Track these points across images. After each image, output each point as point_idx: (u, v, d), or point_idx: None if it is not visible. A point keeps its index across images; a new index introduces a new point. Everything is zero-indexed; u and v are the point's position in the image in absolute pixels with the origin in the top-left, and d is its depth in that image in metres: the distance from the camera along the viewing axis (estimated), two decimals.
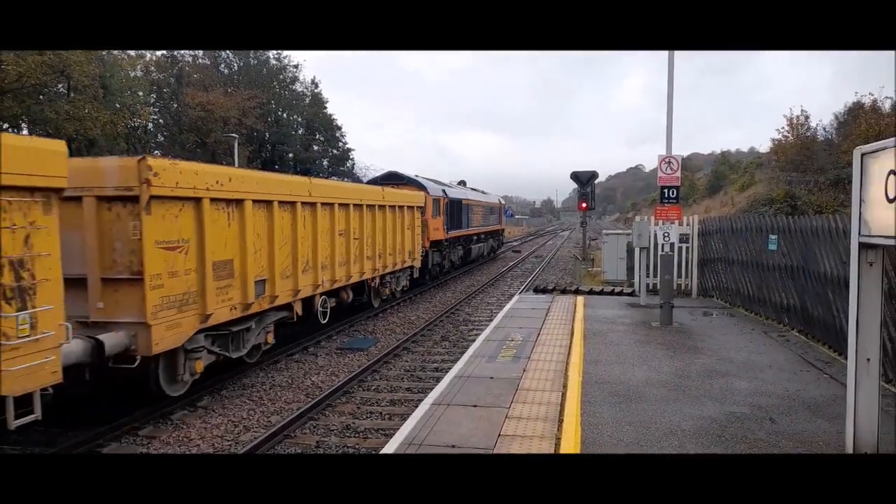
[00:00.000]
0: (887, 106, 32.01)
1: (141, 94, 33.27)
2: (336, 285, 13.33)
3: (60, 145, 6.51)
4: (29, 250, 6.05)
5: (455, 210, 25.35)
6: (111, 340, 7.50)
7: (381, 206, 16.04)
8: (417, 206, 19.47)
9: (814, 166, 34.79)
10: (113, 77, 29.96)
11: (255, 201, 10.01)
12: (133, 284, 7.76)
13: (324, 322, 13.06)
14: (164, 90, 39.28)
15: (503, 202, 42.83)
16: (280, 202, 10.82)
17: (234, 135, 29.66)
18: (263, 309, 10.49)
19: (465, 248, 27.71)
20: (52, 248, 6.33)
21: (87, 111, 26.84)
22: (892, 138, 4.65)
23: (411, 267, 19.05)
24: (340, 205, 13.33)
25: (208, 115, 36.59)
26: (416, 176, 23.18)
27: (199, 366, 8.98)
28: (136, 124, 34.01)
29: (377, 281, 16.25)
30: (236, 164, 28.14)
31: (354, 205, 14.19)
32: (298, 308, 11.72)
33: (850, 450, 5.08)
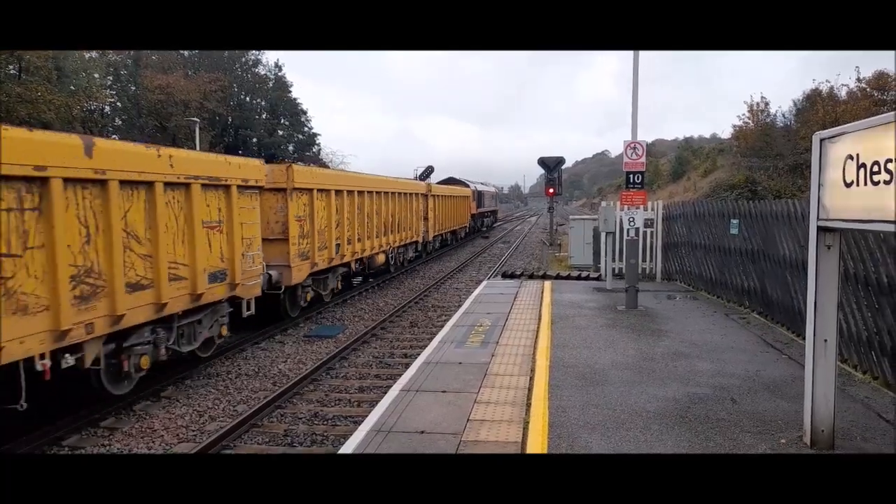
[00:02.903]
0: (844, 93, 32.86)
1: (97, 76, 32.21)
2: (408, 240, 22.66)
3: (261, 163, 11.20)
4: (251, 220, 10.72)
5: (479, 197, 42.82)
6: (273, 275, 12.07)
7: (454, 196, 33.08)
8: (465, 196, 36.96)
9: (773, 152, 35.62)
10: (67, 59, 28.90)
11: (337, 191, 15.18)
12: (281, 242, 12.60)
13: (393, 272, 20.94)
14: (121, 72, 38.10)
15: (498, 190, 64.03)
16: (370, 192, 17.84)
17: (195, 119, 28.93)
18: (336, 264, 15.37)
19: (482, 219, 45.89)
20: (258, 220, 11.03)
21: (39, 94, 25.87)
22: (850, 124, 4.76)
23: (464, 227, 36.48)
24: (420, 195, 25.06)
25: (168, 98, 35.67)
26: (464, 178, 43.30)
27: (308, 296, 14.13)
28: (93, 107, 32.94)
29: (445, 236, 31.03)
30: (197, 149, 27.50)
31: (433, 195, 27.23)
32: (353, 266, 16.99)
33: (807, 427, 5.23)
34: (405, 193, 22.19)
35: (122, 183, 7.63)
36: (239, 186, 10.20)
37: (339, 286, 15.97)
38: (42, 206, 6.54)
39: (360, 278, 19.20)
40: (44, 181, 6.50)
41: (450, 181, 39.68)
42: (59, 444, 7.24)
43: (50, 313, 6.62)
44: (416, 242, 24.24)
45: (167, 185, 8.47)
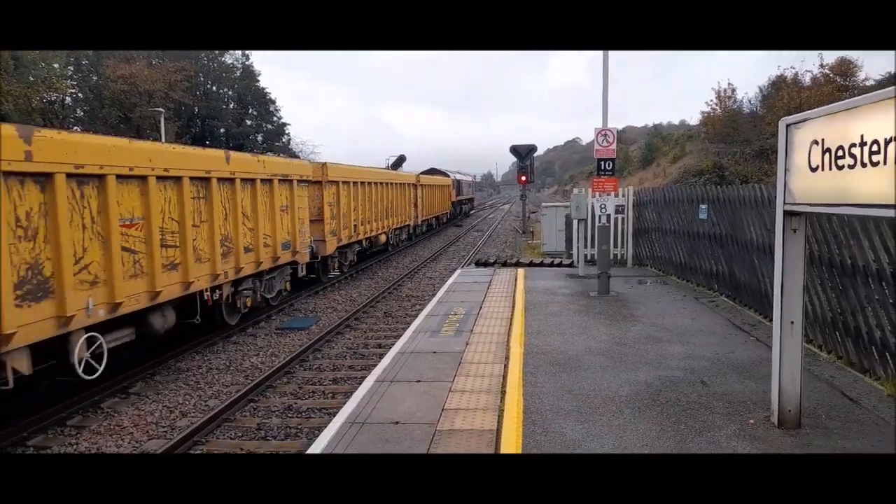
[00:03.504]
0: (808, 79, 33.46)
1: (57, 65, 31.18)
2: (402, 224, 26.43)
3: (308, 163, 15.95)
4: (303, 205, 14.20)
5: (458, 186, 47.00)
6: (312, 247, 15.20)
7: (437, 185, 36.87)
8: (446, 185, 40.80)
9: (740, 138, 36.20)
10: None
11: (354, 182, 19.28)
12: (318, 222, 16.17)
13: (390, 252, 24.73)
14: (82, 62, 36.98)
15: (474, 178, 72.18)
16: (376, 183, 22.04)
17: (160, 109, 28.27)
18: (353, 240, 19.16)
19: (461, 205, 49.68)
20: (307, 205, 14.60)
21: None
22: (815, 109, 4.82)
23: (445, 213, 40.34)
24: (411, 184, 28.61)
25: (132, 88, 34.75)
26: (445, 169, 47.29)
27: (335, 265, 17.71)
28: (53, 98, 31.95)
29: (430, 221, 34.55)
30: (163, 140, 26.90)
31: (421, 185, 30.91)
32: (365, 244, 20.89)
33: (775, 407, 5.34)
34: (400, 184, 26.47)
35: (242, 181, 11.38)
36: (298, 180, 13.93)
37: (355, 259, 19.95)
38: (206, 195, 10.30)
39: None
40: (207, 180, 10.28)
41: (431, 171, 43.19)
42: (24, 445, 7.06)
43: (210, 263, 10.36)
44: (409, 226, 28.23)
45: (262, 181, 12.18)
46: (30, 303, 6.69)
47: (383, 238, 23.09)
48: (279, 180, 12.88)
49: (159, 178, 8.93)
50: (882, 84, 35.05)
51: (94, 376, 7.84)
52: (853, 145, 4.18)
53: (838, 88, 32.60)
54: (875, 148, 3.97)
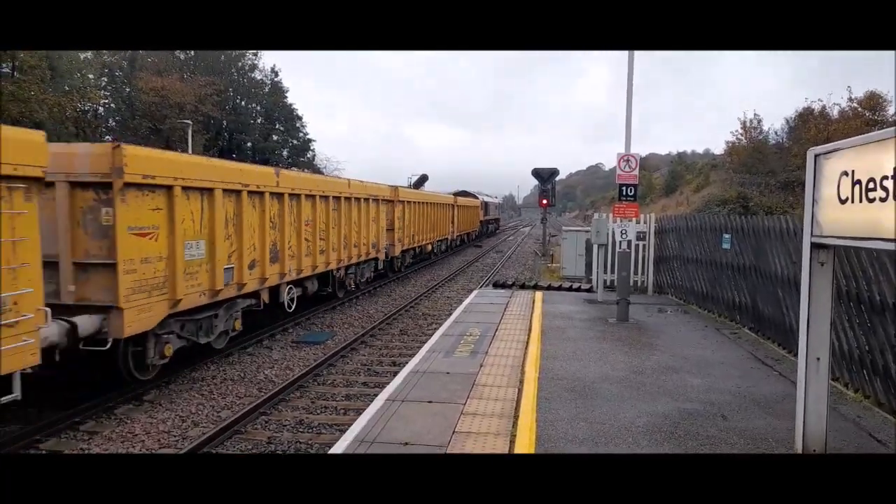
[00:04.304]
0: (835, 112, 33.09)
1: (91, 76, 32.04)
2: (442, 237, 32.05)
3: (388, 186, 21.55)
4: (382, 217, 19.88)
5: (486, 207, 52.35)
6: (386, 249, 20.76)
7: (469, 206, 41.99)
8: (476, 206, 45.85)
9: (765, 169, 35.83)
10: (62, 58, 28.74)
11: (413, 202, 24.81)
12: (390, 231, 21.36)
13: (432, 259, 29.85)
14: (116, 73, 37.94)
15: (500, 201, 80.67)
16: (421, 203, 26.55)
17: (187, 121, 28.79)
18: (410, 247, 24.66)
19: (488, 224, 54.77)
20: (384, 217, 20.47)
21: (32, 93, 25.68)
22: (845, 140, 4.72)
23: (475, 230, 45.24)
24: (450, 205, 34.42)
25: (163, 100, 35.49)
26: (473, 191, 52.91)
27: (399, 264, 23.35)
28: (86, 108, 32.74)
29: (462, 236, 39.71)
30: (190, 152, 27.36)
31: (458, 205, 36.69)
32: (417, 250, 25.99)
33: (799, 446, 5.16)
34: (442, 204, 32.77)
35: (355, 199, 17.09)
36: (382, 200, 19.41)
37: (409, 261, 25.27)
38: (336, 208, 15.57)
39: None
40: (338, 198, 15.72)
41: (463, 193, 47.98)
42: (37, 448, 7.08)
43: (337, 252, 15.61)
44: (447, 239, 34.37)
45: (364, 199, 17.65)
46: (271, 263, 12.05)
47: (429, 248, 28.91)
48: (371, 199, 18.27)
49: (321, 196, 14.39)
50: None
51: (291, 309, 13.42)
52: (885, 178, 4.07)
53: (867, 122, 32.16)
54: None
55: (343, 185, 16.30)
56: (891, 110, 33.40)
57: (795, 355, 8.83)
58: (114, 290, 7.86)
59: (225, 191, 10.21)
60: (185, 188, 9.14)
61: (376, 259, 19.31)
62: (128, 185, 7.93)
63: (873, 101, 33.10)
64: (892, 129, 4.04)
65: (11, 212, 6.15)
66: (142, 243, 8.30)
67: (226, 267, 10.35)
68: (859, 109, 32.77)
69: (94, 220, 7.93)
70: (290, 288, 13.28)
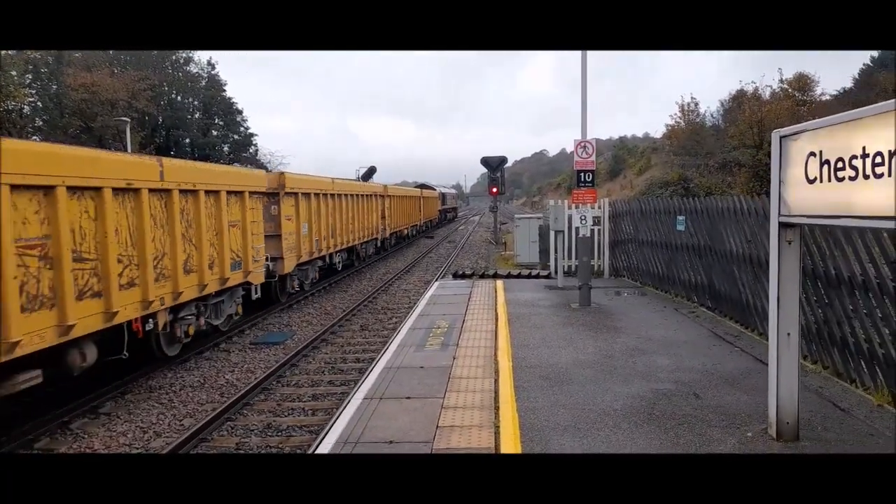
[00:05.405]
0: (768, 94, 34.38)
1: (14, 73, 30.15)
2: (409, 225, 36.16)
3: (382, 185, 30.48)
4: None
5: (444, 197, 59.80)
6: (381, 231, 27.69)
7: (430, 197, 48.64)
8: (435, 197, 52.05)
9: (703, 150, 36.96)
10: None
11: (393, 196, 30.37)
12: (383, 218, 28.38)
13: (406, 242, 35.05)
14: (41, 70, 35.83)
15: (456, 192, 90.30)
16: (400, 196, 32.67)
17: (124, 118, 27.53)
18: (392, 232, 30.16)
19: (446, 213, 61.89)
20: (380, 209, 27.53)
21: None
22: (810, 122, 4.84)
23: (434, 218, 50.65)
24: (408, 196, 36.44)
25: (93, 97, 33.74)
26: (434, 184, 61.80)
27: (388, 243, 29.93)
28: (10, 107, 30.84)
29: (418, 226, 41.19)
30: (128, 150, 26.18)
31: (422, 196, 43.28)
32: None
33: (773, 418, 5.31)
34: (411, 196, 36.54)
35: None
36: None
37: (393, 242, 29.86)
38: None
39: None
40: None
41: (423, 186, 53.35)
42: None
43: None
44: (416, 225, 38.80)
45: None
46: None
47: (405, 231, 32.85)
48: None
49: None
50: (839, 98, 36.30)
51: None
52: (854, 157, 4.19)
53: (797, 103, 33.61)
54: (878, 160, 3.98)
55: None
56: (818, 90, 34.98)
57: (752, 331, 9.15)
58: (279, 249, 14.84)
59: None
60: (304, 193, 17.01)
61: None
62: (287, 193, 15.48)
63: (802, 83, 34.57)
64: (863, 108, 4.16)
65: (252, 209, 12.63)
66: (288, 225, 15.40)
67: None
68: (789, 90, 34.17)
69: (267, 213, 14.36)
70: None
